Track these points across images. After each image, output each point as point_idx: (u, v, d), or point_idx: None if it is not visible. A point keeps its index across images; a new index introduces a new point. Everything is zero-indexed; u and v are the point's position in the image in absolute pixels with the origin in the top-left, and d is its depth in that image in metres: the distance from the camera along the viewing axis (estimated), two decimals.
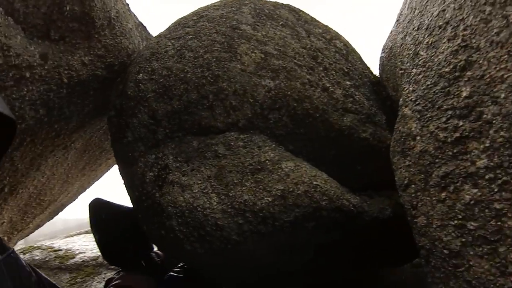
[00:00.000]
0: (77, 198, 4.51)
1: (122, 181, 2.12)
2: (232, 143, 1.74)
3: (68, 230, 7.28)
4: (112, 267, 5.27)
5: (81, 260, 5.32)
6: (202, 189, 1.63)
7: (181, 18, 2.30)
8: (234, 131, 1.76)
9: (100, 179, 4.49)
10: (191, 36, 2.01)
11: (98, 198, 2.59)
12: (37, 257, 5.57)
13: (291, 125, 1.86)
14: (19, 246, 5.66)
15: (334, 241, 1.82)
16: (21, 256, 5.78)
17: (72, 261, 5.35)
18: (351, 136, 1.92)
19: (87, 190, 4.54)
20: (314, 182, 1.73)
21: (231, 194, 1.63)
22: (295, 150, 1.87)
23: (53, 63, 1.71)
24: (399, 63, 1.69)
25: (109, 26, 1.93)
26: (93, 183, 4.39)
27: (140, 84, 1.86)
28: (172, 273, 2.27)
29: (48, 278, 1.11)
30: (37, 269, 1.11)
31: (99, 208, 2.49)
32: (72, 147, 2.83)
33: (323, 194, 1.71)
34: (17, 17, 1.47)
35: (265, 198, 1.63)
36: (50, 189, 3.23)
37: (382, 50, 2.12)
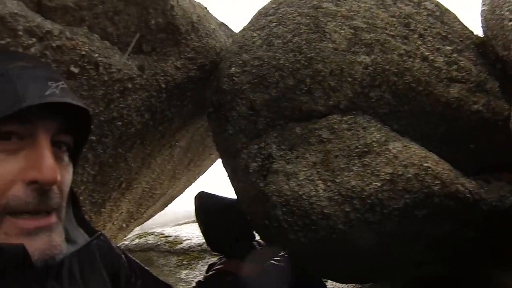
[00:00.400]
0: (184, 191, 4.88)
1: (226, 174, 2.17)
2: (335, 126, 1.66)
3: (177, 220, 7.93)
4: (215, 253, 5.63)
5: (187, 245, 5.88)
6: (308, 177, 1.58)
7: (261, 9, 2.28)
8: (336, 113, 1.69)
9: (205, 173, 4.77)
10: (275, 23, 1.97)
11: (203, 191, 2.73)
12: (150, 241, 6.19)
13: (393, 102, 1.71)
14: (136, 232, 6.34)
15: (446, 232, 1.63)
16: (137, 240, 6.48)
17: (180, 246, 5.93)
18: (460, 109, 1.70)
19: (193, 183, 4.86)
20: (425, 164, 1.57)
21: (337, 180, 1.57)
22: (400, 129, 1.72)
23: (150, 72, 1.84)
24: (507, 12, 1.41)
25: (193, 30, 2.00)
26: (198, 177, 4.68)
27: (234, 78, 1.87)
28: (273, 262, 2.30)
29: (138, 261, 1.17)
30: (127, 252, 1.16)
31: (203, 200, 2.64)
32: (177, 145, 3.01)
33: (435, 178, 1.54)
34: (112, 39, 1.62)
35: (373, 184, 1.53)
36: (160, 184, 3.51)
37: (482, 2, 1.82)
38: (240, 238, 2.37)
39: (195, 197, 2.72)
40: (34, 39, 1.17)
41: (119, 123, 1.94)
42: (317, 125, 1.67)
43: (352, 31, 1.82)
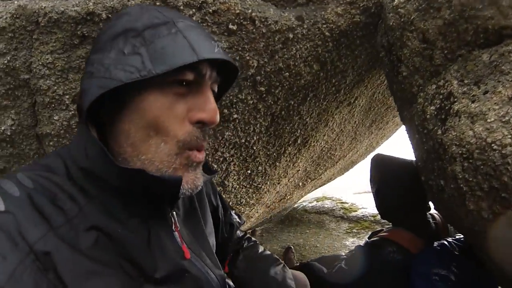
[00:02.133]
0: (366, 157, 4.48)
1: (405, 128, 1.76)
2: None
3: (358, 189, 7.70)
4: (387, 224, 5.25)
5: (361, 214, 5.76)
6: (501, 117, 1.03)
7: None
8: None
9: (389, 139, 4.23)
10: None
11: (380, 154, 2.42)
12: (326, 205, 6.20)
13: None
14: (314, 194, 6.40)
15: None
16: (315, 202, 6.56)
17: (354, 214, 5.85)
18: None
19: (376, 149, 4.41)
20: None
21: None
22: None
23: (309, 22, 1.72)
24: None
25: None
26: (382, 143, 4.19)
27: (399, 10, 1.40)
28: (445, 242, 1.80)
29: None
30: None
31: (379, 162, 2.35)
32: (356, 104, 2.65)
33: None
34: None
35: None
36: (340, 145, 3.23)
37: None
38: (413, 205, 2.05)
39: (371, 159, 2.44)
40: (193, 10, 1.39)
41: (287, 73, 1.82)
42: (511, 47, 1.04)
43: None
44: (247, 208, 3.27)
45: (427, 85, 1.32)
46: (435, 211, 2.15)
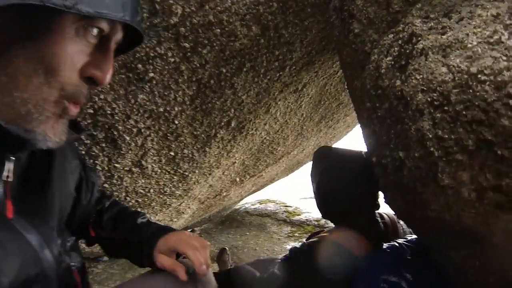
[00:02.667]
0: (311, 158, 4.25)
1: (354, 107, 1.48)
2: None
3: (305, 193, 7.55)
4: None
5: (305, 218, 5.55)
6: (487, 38, 0.74)
7: None
8: None
9: (338, 141, 4.01)
10: None
11: (325, 146, 2.10)
12: (269, 208, 5.97)
13: None
14: (258, 196, 6.14)
15: None
16: (257, 205, 6.28)
17: (297, 217, 5.63)
18: None
19: None
20: None
21: None
22: None
23: None
24: None
25: None
26: (331, 144, 3.96)
27: None
28: (395, 243, 1.55)
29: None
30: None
31: (321, 154, 2.02)
32: (305, 93, 2.37)
33: None
34: None
35: None
36: (284, 140, 2.93)
37: None
38: (359, 201, 1.74)
39: (314, 153, 2.09)
40: None
41: (218, 30, 1.48)
42: None
43: None
44: (173, 200, 2.88)
45: (383, 37, 1.02)
46: (383, 211, 1.89)
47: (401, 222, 1.90)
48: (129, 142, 1.84)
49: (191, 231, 6.16)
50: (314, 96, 2.56)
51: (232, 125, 2.09)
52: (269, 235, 5.18)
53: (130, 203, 2.57)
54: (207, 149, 2.22)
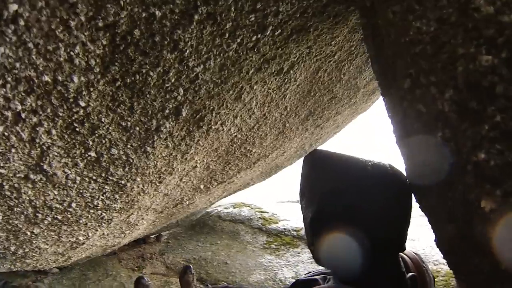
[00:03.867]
0: (294, 162, 3.51)
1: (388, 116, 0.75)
2: None
3: (282, 197, 6.83)
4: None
5: (282, 227, 4.89)
6: None
7: None
8: None
9: (325, 142, 3.30)
10: None
11: (322, 150, 1.27)
12: (243, 214, 5.27)
13: None
14: (231, 200, 5.40)
15: None
16: (231, 209, 5.51)
17: (274, 226, 4.97)
18: None
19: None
20: None
21: None
22: None
23: None
24: None
25: None
26: (316, 146, 3.25)
27: None
28: None
29: None
30: None
31: (324, 166, 1.18)
32: (291, 76, 1.65)
33: None
34: None
35: None
36: (260, 139, 2.20)
37: None
38: (383, 244, 0.97)
39: (306, 159, 1.31)
40: None
41: None
42: None
43: None
44: (115, 214, 2.11)
45: None
46: (410, 251, 1.17)
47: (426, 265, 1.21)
48: (6, 134, 1.06)
49: (157, 236, 5.37)
50: (302, 83, 1.84)
51: (183, 114, 1.34)
52: (243, 246, 4.44)
53: (46, 221, 1.78)
54: (148, 149, 1.47)
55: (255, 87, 1.53)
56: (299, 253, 4.15)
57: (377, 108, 2.98)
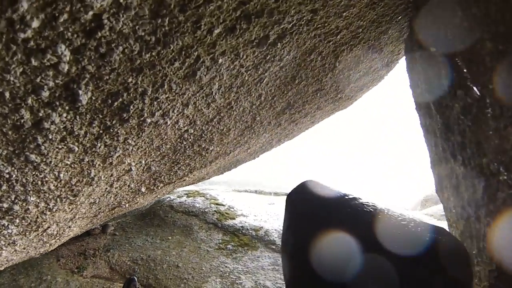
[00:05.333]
0: (257, 156, 2.94)
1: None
2: None
3: (239, 185, 6.21)
4: (273, 248, 3.88)
5: (240, 224, 4.22)
6: None
7: None
8: None
9: (293, 139, 2.73)
10: None
11: (311, 181, 0.85)
12: (197, 205, 4.62)
13: None
14: (185, 188, 4.74)
15: None
16: (184, 198, 4.80)
17: (231, 222, 4.31)
18: None
19: (272, 149, 2.89)
20: None
21: None
22: None
23: None
24: None
25: None
26: (281, 143, 2.68)
27: None
28: None
29: None
30: None
31: (301, 207, 0.78)
32: (277, 52, 1.05)
33: None
34: None
35: None
36: (221, 135, 1.57)
37: None
38: None
39: (291, 197, 0.79)
40: None
41: None
42: None
43: None
44: (16, 238, 1.40)
45: None
46: None
47: None
48: None
49: (103, 226, 4.60)
50: (288, 66, 1.24)
51: (83, 100, 0.67)
52: (196, 244, 3.82)
53: None
54: (32, 156, 0.80)
55: (220, 60, 0.90)
56: (258, 257, 3.62)
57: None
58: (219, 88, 1.11)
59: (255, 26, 0.84)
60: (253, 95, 1.34)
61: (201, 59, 0.84)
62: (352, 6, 1.04)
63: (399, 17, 1.32)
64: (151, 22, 0.58)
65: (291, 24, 0.94)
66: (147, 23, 0.57)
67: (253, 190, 5.92)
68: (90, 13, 0.49)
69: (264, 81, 1.25)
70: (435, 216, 4.41)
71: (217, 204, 4.54)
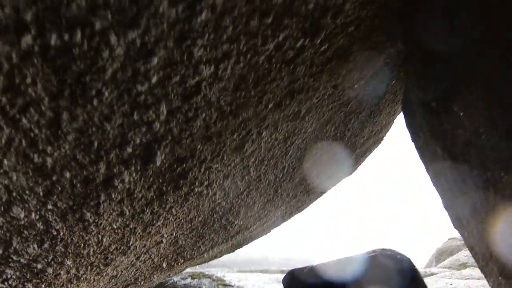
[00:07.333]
0: (265, 234, 2.82)
1: None
2: None
3: (247, 264, 5.85)
4: None
5: None
6: None
7: None
8: None
9: (302, 212, 2.68)
10: None
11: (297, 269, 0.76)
12: (204, 286, 4.20)
13: None
14: (189, 269, 4.41)
15: None
16: (189, 279, 4.42)
17: None
18: None
19: (279, 226, 2.79)
20: None
21: None
22: None
23: None
24: None
25: None
26: (293, 216, 2.62)
27: None
28: None
29: None
30: None
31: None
32: (303, 126, 1.16)
33: None
34: None
35: None
36: (247, 208, 1.55)
37: None
38: None
39: (283, 281, 0.77)
40: None
41: None
42: None
43: None
44: None
45: None
46: None
47: None
48: None
49: None
50: (308, 138, 1.30)
51: (157, 161, 0.70)
52: None
53: None
54: (87, 215, 0.78)
55: (263, 133, 0.94)
56: None
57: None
58: (254, 161, 1.13)
59: (295, 102, 0.90)
60: (279, 167, 1.36)
61: (251, 132, 0.88)
62: (361, 79, 1.13)
63: (393, 82, 1.42)
64: (232, 94, 0.63)
65: (318, 99, 1.01)
66: (229, 95, 0.62)
67: (258, 269, 5.53)
68: (197, 78, 0.54)
69: (289, 154, 1.29)
70: (452, 267, 4.04)
71: (224, 285, 4.19)
